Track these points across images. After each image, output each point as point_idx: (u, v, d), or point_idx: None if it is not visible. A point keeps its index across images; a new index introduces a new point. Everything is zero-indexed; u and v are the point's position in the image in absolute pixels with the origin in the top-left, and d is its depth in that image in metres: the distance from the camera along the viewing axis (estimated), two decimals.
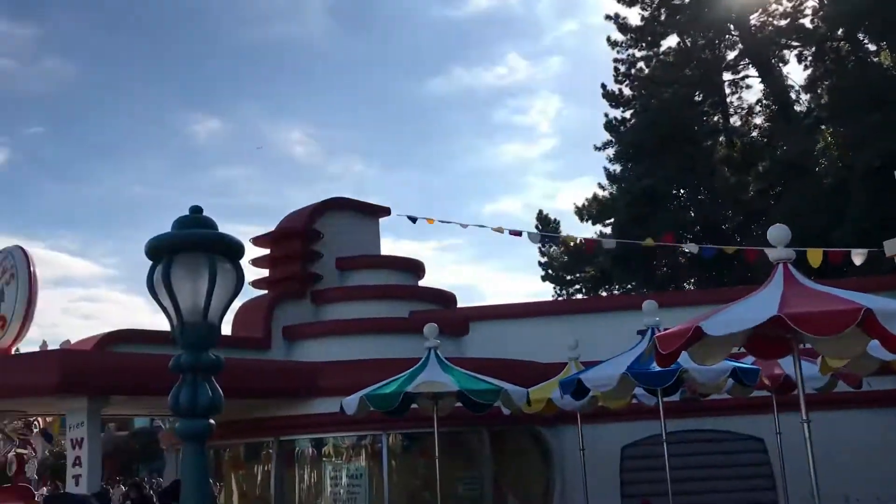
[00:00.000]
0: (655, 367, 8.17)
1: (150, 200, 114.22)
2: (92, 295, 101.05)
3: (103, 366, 10.03)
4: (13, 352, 11.10)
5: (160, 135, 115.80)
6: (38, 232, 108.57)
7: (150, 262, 4.76)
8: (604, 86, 33.25)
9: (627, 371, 8.31)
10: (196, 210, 4.90)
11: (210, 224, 4.84)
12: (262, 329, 13.80)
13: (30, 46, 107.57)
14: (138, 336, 11.65)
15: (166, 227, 4.84)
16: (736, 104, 32.48)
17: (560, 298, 34.78)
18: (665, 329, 7.65)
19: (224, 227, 5.13)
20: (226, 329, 17.00)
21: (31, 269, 10.88)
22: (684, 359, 7.23)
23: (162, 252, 4.64)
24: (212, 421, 4.68)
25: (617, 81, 33.25)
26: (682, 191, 31.14)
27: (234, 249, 4.83)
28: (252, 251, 15.25)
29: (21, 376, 9.91)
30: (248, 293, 14.95)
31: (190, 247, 4.63)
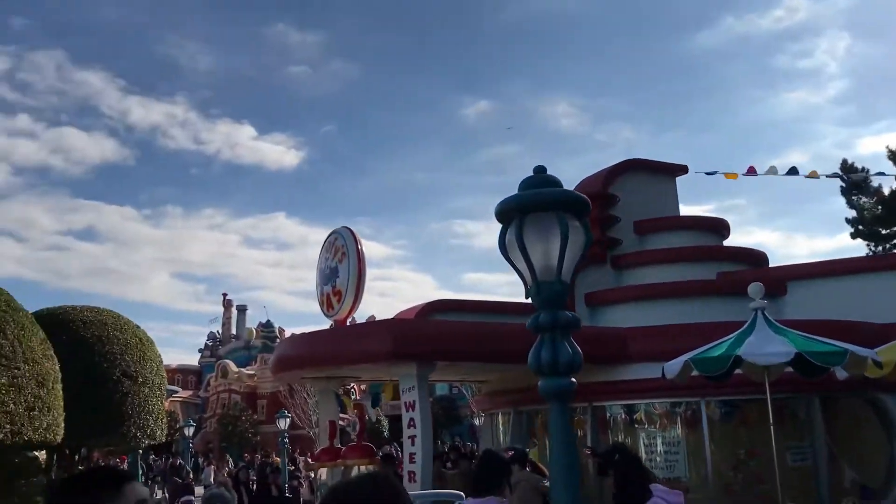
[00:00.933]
0: None
1: (430, 184, 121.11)
2: (386, 274, 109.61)
3: (429, 333, 10.62)
4: (348, 323, 12.13)
5: (435, 121, 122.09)
6: (337, 220, 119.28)
7: (500, 225, 4.85)
8: None
9: None
10: (540, 169, 4.88)
11: (555, 182, 4.80)
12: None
13: (318, 52, 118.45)
14: (453, 305, 12.21)
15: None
16: None
17: (877, 254, 31.18)
18: None
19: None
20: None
21: (359, 247, 11.81)
22: None
23: (513, 213, 4.68)
24: (573, 379, 4.66)
25: None
26: None
27: (581, 206, 4.76)
28: None
29: (358, 345, 10.79)
30: None
31: (539, 206, 4.62)
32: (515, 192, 4.77)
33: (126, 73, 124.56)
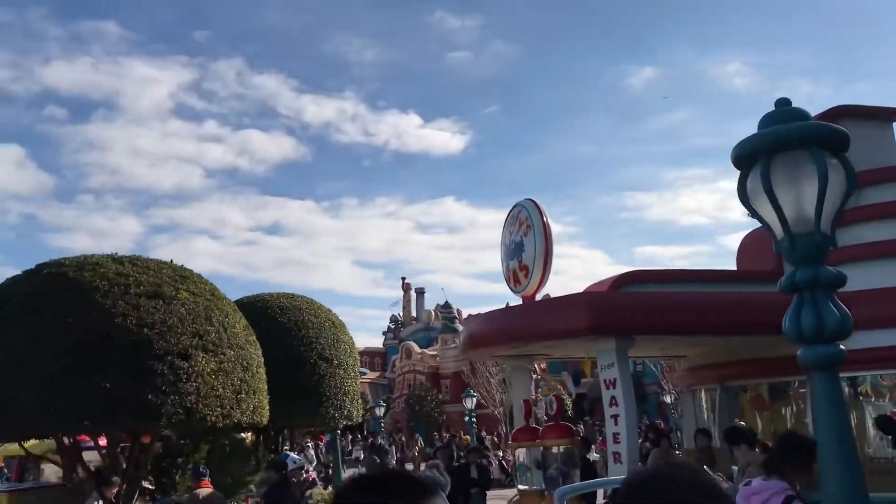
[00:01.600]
0: None
1: (597, 157, 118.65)
2: (556, 251, 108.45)
3: (629, 306, 9.96)
4: (536, 299, 11.68)
5: (599, 93, 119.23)
6: (504, 200, 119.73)
7: (738, 171, 4.19)
8: None
9: None
10: (783, 102, 4.15)
11: (803, 115, 4.06)
12: (771, 260, 12.64)
13: (477, 35, 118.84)
14: (649, 276, 11.43)
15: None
16: None
17: None
18: None
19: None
20: (729, 263, 16.19)
21: (544, 219, 11.30)
22: None
23: (755, 156, 3.99)
24: (842, 346, 3.93)
25: None
26: None
27: (839, 141, 3.99)
28: None
29: (553, 320, 10.32)
30: (748, 223, 13.90)
31: (789, 144, 3.90)
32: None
33: (298, 73, 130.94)
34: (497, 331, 11.40)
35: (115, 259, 12.21)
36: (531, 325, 10.69)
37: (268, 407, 12.91)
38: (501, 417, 40.41)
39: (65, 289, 11.19)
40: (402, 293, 66.92)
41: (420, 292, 65.91)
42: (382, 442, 30.33)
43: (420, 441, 40.34)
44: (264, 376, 12.92)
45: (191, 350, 11.25)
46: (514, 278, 11.79)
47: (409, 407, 47.74)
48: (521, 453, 11.30)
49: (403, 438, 38.33)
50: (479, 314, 12.66)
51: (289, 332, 15.79)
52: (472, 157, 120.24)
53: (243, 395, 11.96)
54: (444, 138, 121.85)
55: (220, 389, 11.46)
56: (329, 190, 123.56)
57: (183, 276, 12.44)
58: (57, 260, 12.21)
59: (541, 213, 11.34)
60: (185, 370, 10.99)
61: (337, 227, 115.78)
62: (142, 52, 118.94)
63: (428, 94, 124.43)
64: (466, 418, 32.50)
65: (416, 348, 52.59)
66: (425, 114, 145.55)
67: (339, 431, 17.94)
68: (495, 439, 34.26)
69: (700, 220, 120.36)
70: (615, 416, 9.97)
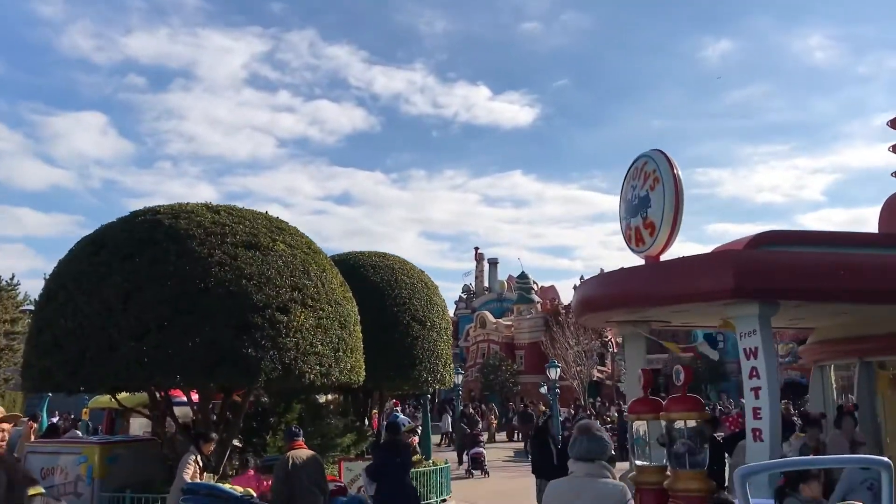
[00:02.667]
0: None
1: (668, 131, 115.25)
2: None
3: (780, 266, 8.85)
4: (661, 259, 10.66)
5: (673, 66, 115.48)
6: (572, 175, 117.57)
7: None
8: None
9: None
10: None
11: None
12: None
13: (549, 5, 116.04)
14: (789, 236, 10.25)
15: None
16: None
17: None
18: None
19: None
20: (870, 226, 14.86)
21: (675, 171, 10.20)
22: None
23: None
24: None
25: None
26: None
27: None
28: (888, 135, 12.77)
29: (688, 281, 9.30)
30: (891, 184, 12.59)
31: None
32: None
33: (369, 44, 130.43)
34: (617, 294, 10.42)
35: (210, 208, 11.66)
36: (659, 287, 9.67)
37: (364, 366, 12.30)
38: (579, 390, 39.49)
39: (160, 236, 10.69)
40: (473, 264, 66.21)
41: (493, 263, 65.08)
42: (472, 412, 29.77)
43: (495, 410, 39.74)
44: (360, 335, 12.30)
45: (290, 304, 10.65)
46: (636, 237, 10.73)
47: (483, 376, 47.22)
48: (640, 426, 10.36)
49: (484, 407, 37.73)
50: (594, 276, 11.72)
51: (381, 292, 15.14)
52: (540, 130, 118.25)
53: (341, 353, 11.34)
54: (513, 111, 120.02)
55: (319, 346, 10.85)
56: (397, 161, 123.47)
57: (279, 227, 11.84)
58: (152, 207, 11.73)
59: (670, 165, 10.23)
60: (284, 324, 10.40)
61: (405, 198, 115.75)
62: (218, 22, 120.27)
63: (497, 66, 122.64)
64: (543, 389, 31.69)
65: (491, 318, 51.99)
66: (495, 86, 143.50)
67: (429, 396, 17.31)
68: (571, 411, 33.37)
69: (775, 198, 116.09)
70: (756, 389, 8.94)
